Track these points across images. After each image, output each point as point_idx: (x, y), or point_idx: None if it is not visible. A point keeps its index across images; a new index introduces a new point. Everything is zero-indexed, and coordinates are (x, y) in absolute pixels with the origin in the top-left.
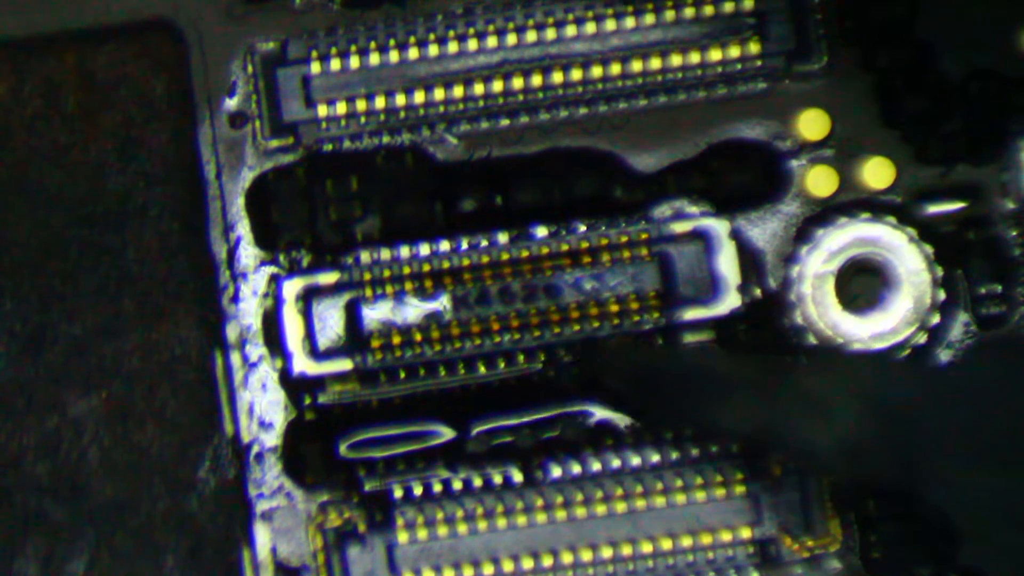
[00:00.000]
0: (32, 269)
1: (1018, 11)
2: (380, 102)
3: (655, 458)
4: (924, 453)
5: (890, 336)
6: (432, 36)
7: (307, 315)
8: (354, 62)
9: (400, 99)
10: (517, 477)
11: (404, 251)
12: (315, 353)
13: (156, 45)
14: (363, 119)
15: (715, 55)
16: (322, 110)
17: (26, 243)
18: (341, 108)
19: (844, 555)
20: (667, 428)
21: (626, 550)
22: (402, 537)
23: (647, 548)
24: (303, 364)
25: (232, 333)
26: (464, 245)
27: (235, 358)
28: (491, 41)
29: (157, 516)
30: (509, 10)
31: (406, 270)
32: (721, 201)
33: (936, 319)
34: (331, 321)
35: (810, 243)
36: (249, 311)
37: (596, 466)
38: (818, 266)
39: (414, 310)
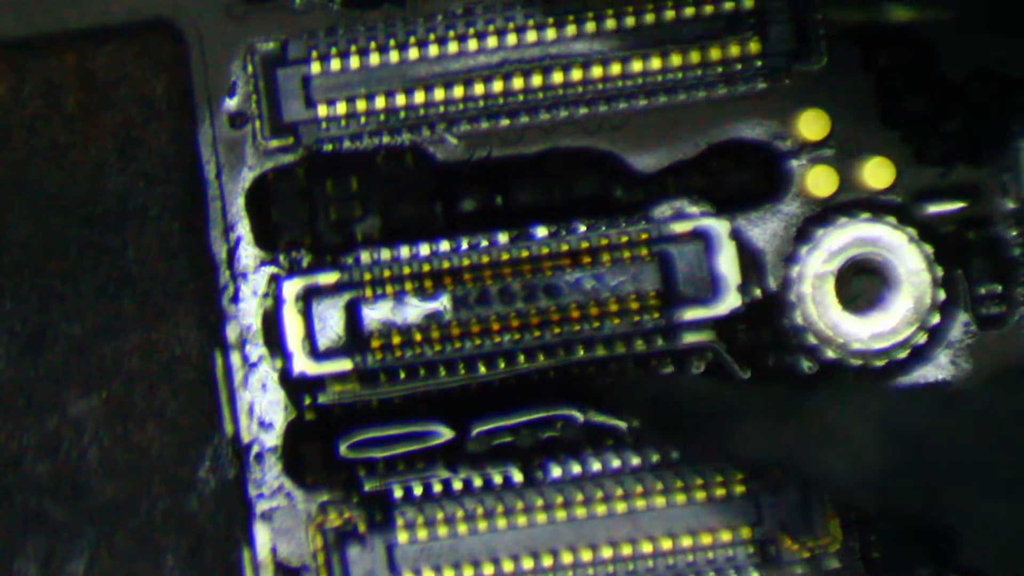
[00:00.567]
0: (32, 269)
1: (1018, 11)
2: (380, 102)
3: (655, 458)
4: (941, 480)
5: (890, 336)
6: (432, 36)
7: (307, 315)
8: (354, 62)
9: (400, 99)
10: (517, 477)
11: (404, 251)
12: (315, 353)
13: (156, 45)
14: (363, 119)
15: (715, 55)
16: (322, 110)
17: (26, 243)
18: (341, 108)
19: (844, 555)
20: (688, 459)
21: (626, 550)
22: (402, 537)
23: (647, 548)
24: (303, 364)
25: (232, 333)
26: (464, 245)
27: (235, 358)
28: (491, 41)
29: (157, 516)
30: (509, 10)
31: (406, 270)
32: (721, 201)
33: (936, 319)
34: (331, 321)
35: (810, 243)
36: (249, 311)
37: (596, 466)
38: (818, 266)
39: (414, 310)
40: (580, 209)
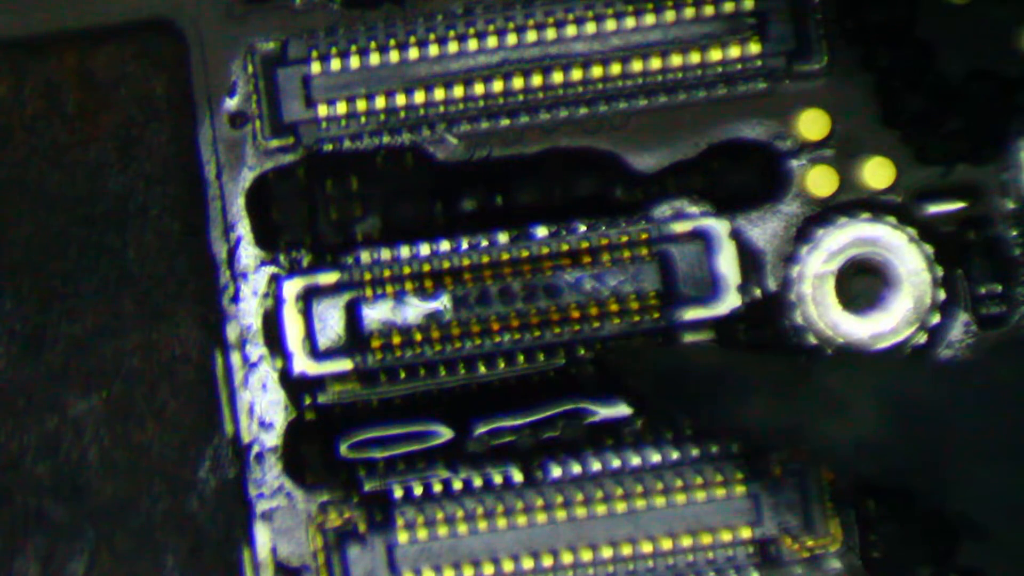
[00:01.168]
0: (32, 269)
1: (1018, 11)
2: (380, 102)
3: (655, 458)
4: (942, 451)
5: (890, 336)
6: (432, 36)
7: (307, 315)
8: (354, 62)
9: (400, 99)
10: (517, 477)
11: (404, 251)
12: (315, 353)
13: (156, 45)
14: (363, 119)
15: (715, 55)
16: (322, 110)
17: (26, 243)
18: (341, 108)
19: (844, 555)
20: (688, 427)
21: (626, 550)
22: (402, 537)
23: (647, 548)
24: (303, 364)
25: (232, 333)
26: (464, 245)
27: (235, 358)
28: (491, 41)
29: (157, 516)
30: (509, 10)
31: (406, 270)
32: (721, 201)
33: (936, 319)
34: (331, 321)
35: (810, 243)
36: (249, 311)
37: (596, 466)
38: (818, 266)
39: (414, 310)
40: (580, 209)
